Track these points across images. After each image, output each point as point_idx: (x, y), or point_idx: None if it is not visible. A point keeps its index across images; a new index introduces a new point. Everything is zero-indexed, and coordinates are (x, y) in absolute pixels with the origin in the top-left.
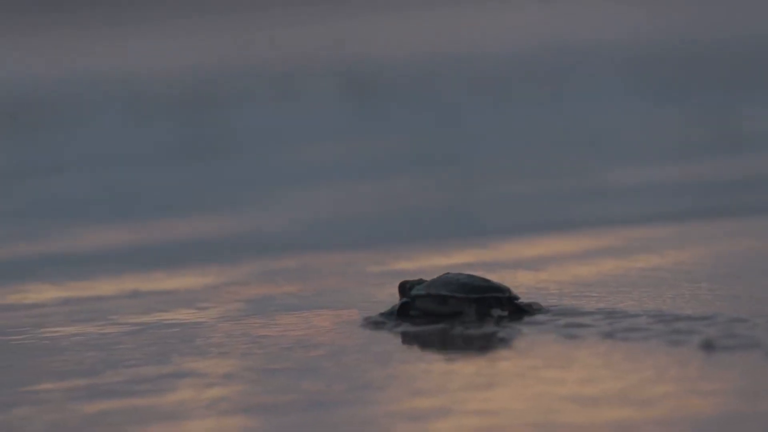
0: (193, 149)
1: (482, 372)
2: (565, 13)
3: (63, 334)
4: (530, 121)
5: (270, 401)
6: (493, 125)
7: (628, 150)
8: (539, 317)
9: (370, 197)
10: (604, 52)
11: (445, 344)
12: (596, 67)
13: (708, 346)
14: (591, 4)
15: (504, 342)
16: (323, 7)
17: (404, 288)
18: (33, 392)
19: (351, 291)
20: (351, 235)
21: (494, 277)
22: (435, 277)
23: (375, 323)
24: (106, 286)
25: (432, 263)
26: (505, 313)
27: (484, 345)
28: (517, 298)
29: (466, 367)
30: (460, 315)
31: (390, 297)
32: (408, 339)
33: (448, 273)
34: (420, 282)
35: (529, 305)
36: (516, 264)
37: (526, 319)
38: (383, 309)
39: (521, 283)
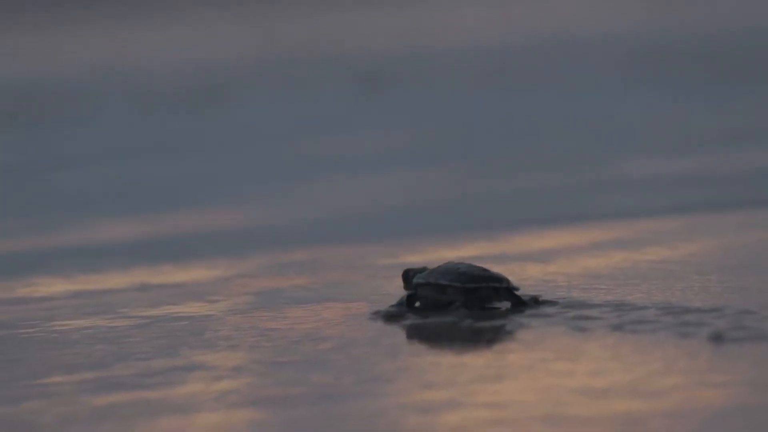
0: (201, 142)
1: (491, 364)
2: (571, 4)
3: (73, 327)
4: (538, 114)
5: (279, 394)
6: (500, 118)
7: (637, 142)
8: (548, 310)
9: (380, 190)
10: (611, 44)
11: (454, 337)
12: (604, 58)
13: (717, 338)
14: None
15: (513, 335)
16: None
17: (407, 276)
18: (43, 385)
19: (360, 284)
20: (360, 228)
21: (502, 270)
22: (437, 265)
23: (384, 316)
24: (115, 280)
25: (441, 256)
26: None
27: (493, 338)
28: (516, 289)
29: (476, 360)
30: (459, 303)
31: (399, 290)
32: (417, 332)
33: (450, 261)
34: (423, 270)
35: (533, 298)
36: (525, 256)
37: (535, 311)
38: (393, 302)
39: (530, 276)
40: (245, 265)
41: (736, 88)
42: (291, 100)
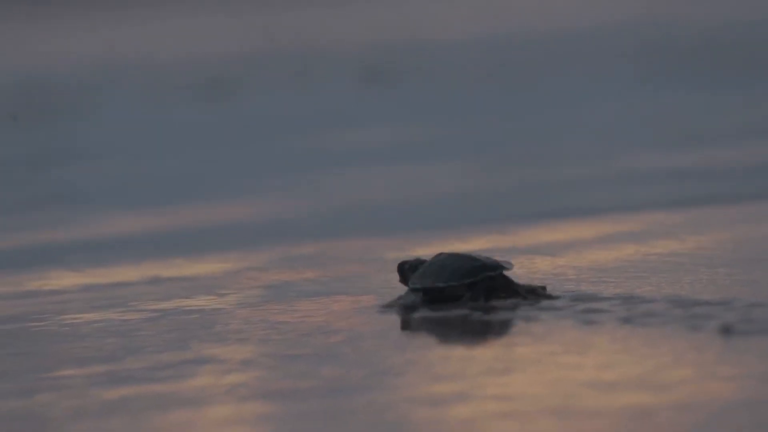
0: (210, 136)
1: (501, 357)
2: None
3: (84, 321)
4: (545, 106)
5: (289, 387)
6: (508, 111)
7: (646, 135)
8: (557, 303)
9: (389, 183)
10: (619, 36)
11: (463, 330)
12: (612, 51)
13: (726, 331)
14: None
15: (522, 328)
16: None
17: (402, 269)
18: (54, 378)
19: (370, 277)
20: (369, 222)
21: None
22: (429, 260)
23: (397, 311)
24: (126, 273)
25: (450, 249)
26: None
27: (502, 331)
28: (508, 269)
29: (485, 353)
30: (460, 297)
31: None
32: (426, 325)
33: (440, 253)
34: (417, 261)
35: (533, 289)
36: (534, 250)
37: (544, 304)
38: (402, 294)
39: (539, 269)
40: (255, 259)
41: (746, 80)
42: (299, 94)
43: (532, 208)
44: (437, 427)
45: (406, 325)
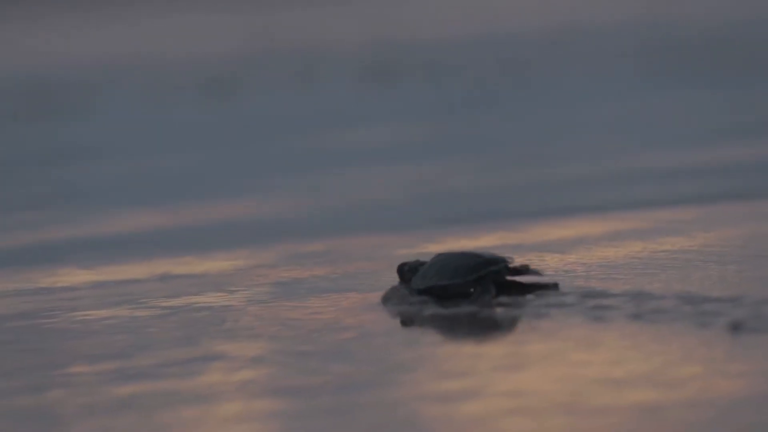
0: (213, 135)
1: (510, 354)
2: None
3: (94, 318)
4: (554, 104)
5: (299, 384)
6: (516, 108)
7: (656, 132)
8: (567, 299)
9: (398, 180)
10: (630, 34)
11: (472, 326)
12: (622, 48)
13: (735, 327)
14: None
15: (531, 324)
16: None
17: (402, 270)
18: (64, 375)
19: (380, 274)
20: (378, 219)
21: (522, 260)
22: (429, 260)
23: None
24: (136, 270)
25: (460, 246)
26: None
27: (511, 327)
28: (510, 262)
29: (494, 350)
30: (466, 295)
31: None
32: (436, 321)
33: (440, 253)
34: (417, 262)
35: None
36: (543, 246)
37: (553, 300)
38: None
39: (548, 266)
40: (265, 256)
41: (747, 79)
42: (299, 93)
43: (539, 206)
44: (447, 424)
45: (410, 323)
